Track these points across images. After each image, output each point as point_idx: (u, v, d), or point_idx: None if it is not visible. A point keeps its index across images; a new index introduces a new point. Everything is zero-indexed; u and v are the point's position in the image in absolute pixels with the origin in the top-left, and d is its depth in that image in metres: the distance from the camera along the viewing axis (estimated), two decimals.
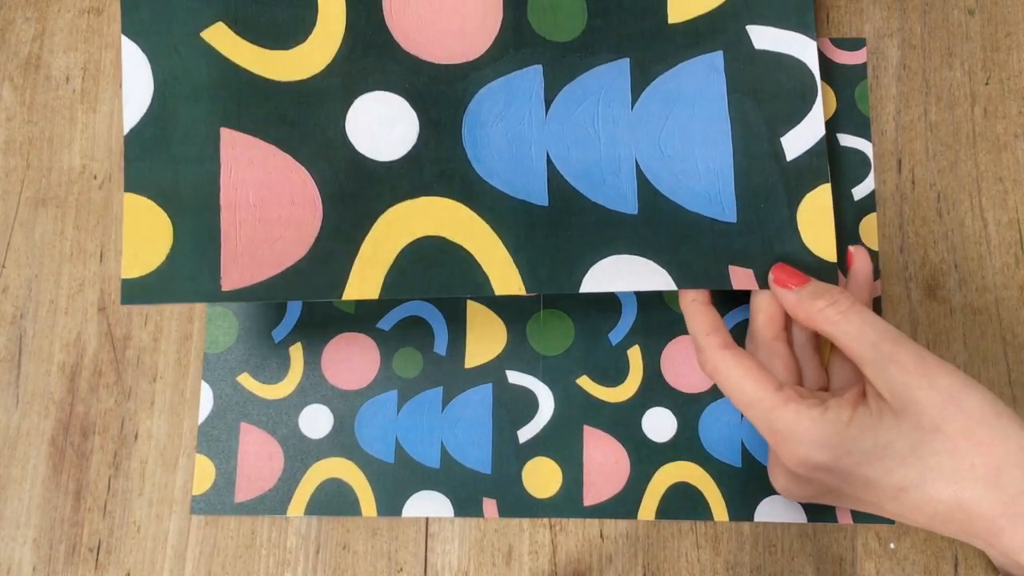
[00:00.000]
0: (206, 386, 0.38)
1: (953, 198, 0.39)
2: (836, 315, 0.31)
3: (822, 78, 0.39)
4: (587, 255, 0.34)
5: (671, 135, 0.35)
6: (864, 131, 0.39)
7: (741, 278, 0.34)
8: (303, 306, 0.38)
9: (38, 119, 0.40)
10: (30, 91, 0.40)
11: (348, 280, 0.33)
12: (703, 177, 0.35)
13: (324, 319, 0.38)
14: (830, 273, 0.35)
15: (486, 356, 0.38)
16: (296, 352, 0.38)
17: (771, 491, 0.36)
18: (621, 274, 0.34)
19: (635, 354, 0.38)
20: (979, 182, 0.39)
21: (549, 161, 0.35)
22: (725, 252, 0.34)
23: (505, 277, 0.33)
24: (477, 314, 0.38)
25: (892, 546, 0.36)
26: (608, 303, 0.38)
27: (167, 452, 0.37)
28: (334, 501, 0.37)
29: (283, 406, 0.37)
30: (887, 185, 0.39)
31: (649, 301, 0.38)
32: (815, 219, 0.35)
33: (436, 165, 0.34)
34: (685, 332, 0.37)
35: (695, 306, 0.34)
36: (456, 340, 0.38)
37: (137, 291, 0.32)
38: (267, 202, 0.33)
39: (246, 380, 0.38)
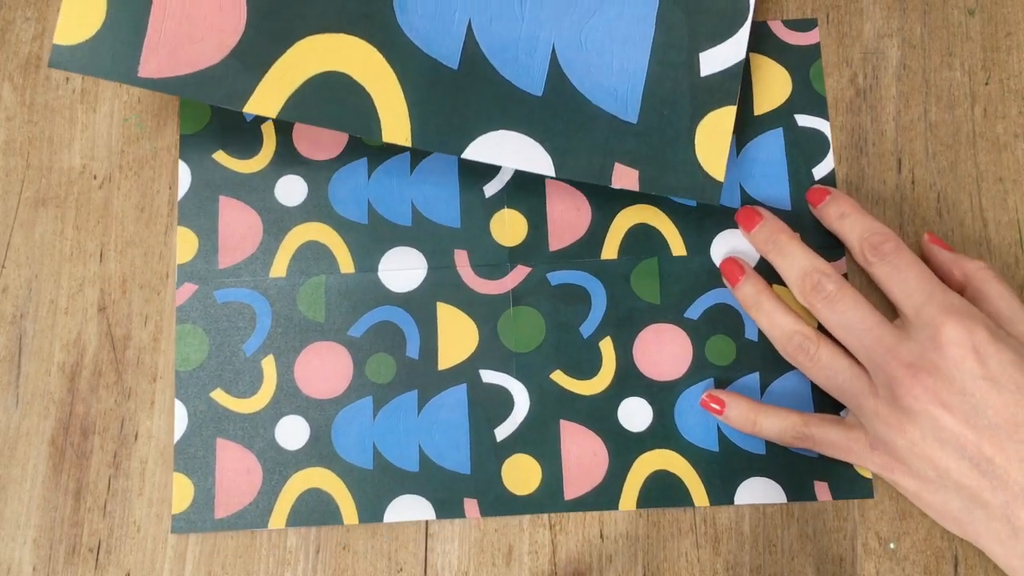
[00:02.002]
0: (180, 404, 0.37)
1: (953, 198, 0.39)
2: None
3: (776, 60, 0.39)
4: (480, 124, 0.36)
5: (594, 29, 0.36)
6: (821, 111, 0.39)
7: (624, 177, 0.36)
8: (272, 318, 0.38)
9: (38, 119, 0.40)
10: (30, 91, 0.40)
11: (252, 94, 0.35)
12: (615, 75, 0.36)
13: (295, 330, 0.38)
14: (714, 191, 0.36)
15: (459, 357, 0.38)
16: (268, 364, 0.38)
17: (749, 473, 0.36)
18: (505, 149, 0.35)
19: (607, 346, 0.38)
20: (979, 182, 0.39)
21: (470, 28, 0.36)
22: (616, 149, 0.36)
23: (396, 126, 0.35)
24: (448, 316, 0.38)
25: (892, 546, 0.36)
26: (578, 296, 0.38)
27: (167, 452, 0.37)
28: (315, 511, 0.36)
29: (258, 419, 0.37)
30: (887, 185, 0.39)
31: (618, 292, 0.38)
32: (713, 137, 0.36)
33: (362, 4, 0.36)
34: (656, 321, 0.38)
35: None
36: (428, 342, 0.38)
37: (65, 57, 0.34)
38: (197, 1, 0.35)
39: (219, 396, 0.37)
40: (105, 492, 0.37)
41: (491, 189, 0.39)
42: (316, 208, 0.39)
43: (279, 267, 0.38)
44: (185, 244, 0.39)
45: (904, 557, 0.36)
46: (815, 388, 0.37)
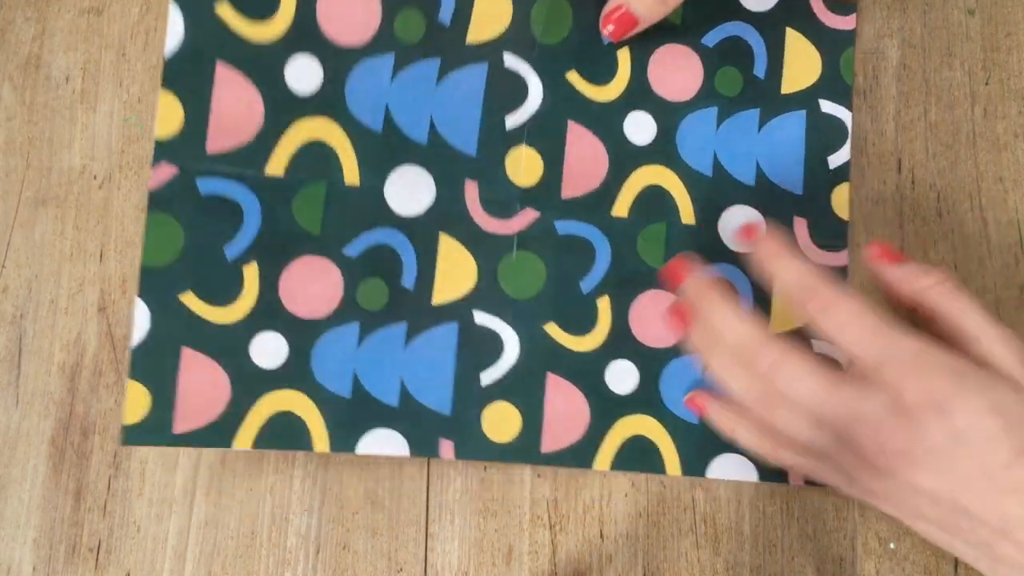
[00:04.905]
0: (142, 304, 0.33)
1: (953, 198, 0.39)
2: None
3: (811, 40, 0.39)
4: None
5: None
6: (845, 99, 0.39)
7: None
8: (262, 221, 0.34)
9: (38, 119, 0.40)
10: (30, 91, 0.40)
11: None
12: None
13: (285, 238, 0.35)
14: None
15: (454, 294, 0.36)
16: (251, 272, 0.34)
17: (725, 449, 0.36)
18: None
19: (604, 304, 0.37)
20: (979, 182, 0.39)
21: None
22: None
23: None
24: (449, 249, 0.36)
25: (892, 546, 0.36)
26: (583, 250, 0.37)
27: (167, 452, 0.37)
28: (284, 435, 0.34)
29: (232, 331, 0.34)
30: (887, 185, 0.39)
31: (624, 252, 0.37)
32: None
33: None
34: (656, 286, 0.37)
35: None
36: (425, 274, 0.36)
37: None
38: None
39: (190, 300, 0.34)
40: (105, 492, 0.37)
41: (513, 121, 0.37)
42: (329, 102, 0.35)
43: (277, 163, 0.35)
44: (168, 114, 0.33)
45: (904, 557, 0.36)
46: None
